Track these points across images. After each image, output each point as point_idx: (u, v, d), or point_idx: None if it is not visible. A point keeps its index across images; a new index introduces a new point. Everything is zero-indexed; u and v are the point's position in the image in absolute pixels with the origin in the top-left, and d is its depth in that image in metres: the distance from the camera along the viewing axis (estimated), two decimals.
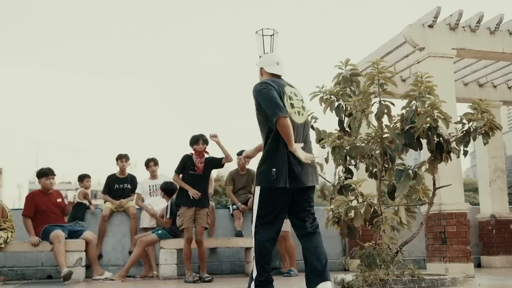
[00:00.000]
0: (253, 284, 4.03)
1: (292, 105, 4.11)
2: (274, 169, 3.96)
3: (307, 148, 4.14)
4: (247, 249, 7.76)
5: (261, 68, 4.38)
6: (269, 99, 3.99)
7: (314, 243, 4.19)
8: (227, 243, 7.88)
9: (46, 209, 7.22)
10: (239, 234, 7.96)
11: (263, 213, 4.05)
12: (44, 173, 7.34)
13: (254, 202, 4.11)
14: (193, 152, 7.00)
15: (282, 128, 3.89)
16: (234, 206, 8.45)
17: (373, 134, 5.64)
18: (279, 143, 3.99)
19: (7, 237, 7.03)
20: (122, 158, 8.59)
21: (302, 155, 3.93)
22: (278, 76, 4.34)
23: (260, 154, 4.32)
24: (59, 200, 7.42)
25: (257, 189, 4.06)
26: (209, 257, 8.37)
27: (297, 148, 3.94)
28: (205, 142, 6.99)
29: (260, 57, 4.49)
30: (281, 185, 3.94)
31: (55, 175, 7.49)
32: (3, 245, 6.95)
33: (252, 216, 4.12)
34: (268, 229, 4.08)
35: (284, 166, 3.97)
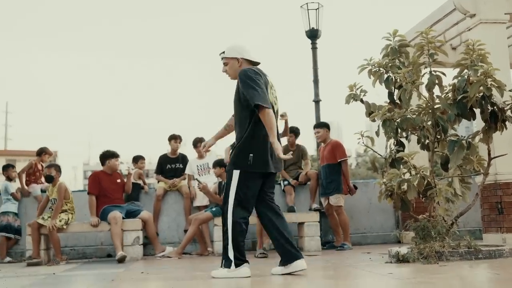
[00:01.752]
0: (233, 264, 4.23)
1: (273, 95, 4.40)
2: (251, 154, 4.20)
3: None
4: (300, 224, 7.82)
5: (238, 59, 4.47)
6: (259, 87, 4.20)
7: (285, 223, 4.46)
8: None
9: (107, 189, 7.49)
10: (291, 210, 8.01)
11: (240, 195, 4.26)
12: (112, 155, 7.64)
13: (230, 184, 4.29)
14: None
15: (267, 118, 4.11)
16: (285, 182, 8.50)
17: (424, 105, 5.55)
18: (260, 130, 4.22)
19: (68, 219, 7.31)
20: (176, 139, 8.75)
21: (280, 150, 4.13)
22: (257, 64, 4.55)
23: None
24: (118, 180, 7.67)
25: (235, 173, 4.27)
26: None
27: (277, 143, 4.16)
28: None
29: (228, 48, 4.54)
30: (259, 170, 4.25)
31: (119, 156, 7.77)
32: (65, 227, 7.25)
33: (227, 198, 4.28)
34: (244, 210, 4.30)
35: (265, 152, 4.25)
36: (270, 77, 4.52)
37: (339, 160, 7.74)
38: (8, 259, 8.02)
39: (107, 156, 7.66)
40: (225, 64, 4.55)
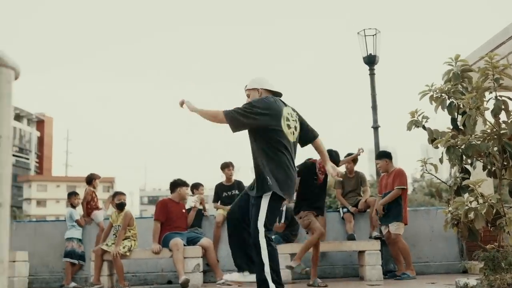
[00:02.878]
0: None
1: (288, 126, 4.48)
2: (268, 178, 4.31)
3: (295, 165, 4.57)
4: (360, 252, 7.71)
5: (258, 89, 4.63)
6: (245, 107, 4.39)
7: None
8: (339, 247, 7.85)
9: (173, 217, 7.63)
10: (351, 238, 7.92)
11: (269, 220, 4.36)
12: (184, 183, 7.80)
13: (260, 209, 4.33)
14: (316, 159, 7.04)
15: (210, 112, 4.43)
16: (345, 209, 8.42)
17: (489, 131, 5.42)
18: (274, 155, 4.37)
19: (131, 246, 7.47)
20: (228, 166, 8.82)
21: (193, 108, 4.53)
22: (279, 95, 4.69)
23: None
24: (184, 210, 7.81)
25: (266, 197, 4.33)
26: (321, 261, 8.40)
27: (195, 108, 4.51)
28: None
29: (250, 80, 4.75)
30: (284, 194, 4.36)
31: (189, 185, 7.94)
32: (128, 253, 7.40)
33: (256, 223, 4.33)
34: (271, 235, 4.46)
35: (280, 177, 4.37)
36: (290, 108, 4.62)
37: (395, 188, 7.58)
38: (73, 284, 8.23)
39: (179, 184, 7.81)
40: (247, 96, 4.73)
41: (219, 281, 7.55)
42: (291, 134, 4.51)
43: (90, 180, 9.18)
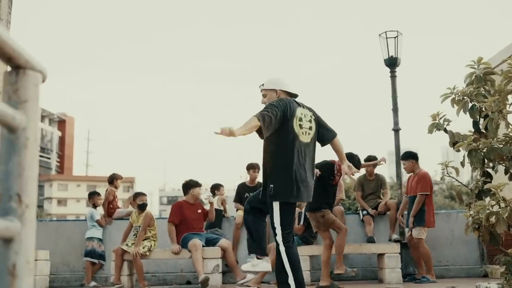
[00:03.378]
0: None
1: (300, 126, 4.48)
2: (272, 185, 4.36)
3: (311, 165, 4.59)
4: (380, 255, 7.67)
5: (276, 90, 4.64)
6: (268, 110, 4.34)
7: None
8: (359, 249, 7.83)
9: (189, 219, 7.66)
10: (371, 240, 7.89)
11: (283, 222, 4.40)
12: (196, 184, 7.83)
13: (274, 212, 4.38)
14: (335, 160, 7.02)
15: (248, 121, 4.23)
16: (364, 212, 8.39)
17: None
18: (283, 159, 4.40)
19: (151, 246, 7.53)
20: (254, 168, 8.82)
21: (233, 131, 4.16)
22: (295, 96, 4.72)
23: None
24: (199, 211, 7.83)
25: (277, 204, 4.38)
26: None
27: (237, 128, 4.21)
28: None
29: (267, 80, 4.76)
30: (282, 199, 4.39)
31: (201, 185, 7.97)
32: (148, 253, 7.46)
33: (275, 231, 4.40)
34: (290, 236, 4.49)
35: (287, 182, 4.37)
36: (305, 109, 4.64)
37: (418, 193, 7.52)
38: (93, 283, 8.32)
39: (191, 185, 7.84)
40: (264, 95, 4.74)
41: (239, 282, 7.58)
42: (304, 135, 4.51)
43: (112, 180, 9.27)
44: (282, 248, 4.38)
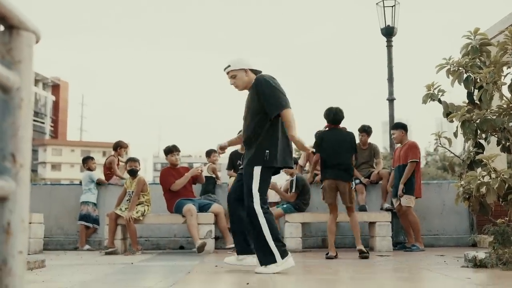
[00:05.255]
0: (278, 256, 4.39)
1: None
2: (267, 151, 4.52)
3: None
4: (371, 223, 7.76)
5: (246, 70, 4.78)
6: (280, 91, 4.60)
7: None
8: None
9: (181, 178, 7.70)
10: (363, 209, 7.96)
11: (263, 191, 4.54)
12: (170, 150, 7.85)
13: (253, 182, 4.50)
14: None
15: (289, 117, 4.49)
16: (357, 181, 8.43)
17: (505, 106, 5.38)
18: (275, 130, 4.59)
19: (144, 211, 7.58)
20: None
21: (303, 143, 4.58)
22: (259, 72, 4.87)
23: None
24: (195, 164, 7.85)
25: (257, 170, 4.52)
26: None
27: (299, 138, 4.55)
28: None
29: (233, 61, 4.85)
30: (276, 164, 4.56)
31: (179, 151, 7.97)
32: (141, 218, 7.52)
33: (251, 196, 4.48)
34: (265, 202, 4.57)
35: (280, 148, 4.59)
36: None
37: (408, 161, 7.56)
38: (87, 247, 8.40)
39: (166, 152, 7.91)
40: (232, 77, 4.79)
41: (229, 246, 7.66)
42: None
43: (116, 147, 9.31)
44: (260, 213, 4.44)
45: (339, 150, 6.38)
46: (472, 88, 5.69)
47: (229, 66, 4.80)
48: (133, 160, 7.93)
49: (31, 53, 1.24)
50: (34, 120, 71.10)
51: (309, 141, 6.93)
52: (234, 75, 4.77)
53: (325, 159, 6.46)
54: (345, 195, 6.43)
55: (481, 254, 4.89)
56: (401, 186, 7.54)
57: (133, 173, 7.76)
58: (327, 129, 6.55)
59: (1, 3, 1.10)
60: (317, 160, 6.89)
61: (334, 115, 6.46)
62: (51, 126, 77.87)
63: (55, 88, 77.04)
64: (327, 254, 6.44)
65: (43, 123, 74.86)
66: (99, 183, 8.78)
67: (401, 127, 7.94)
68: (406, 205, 7.60)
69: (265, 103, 4.56)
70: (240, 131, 5.25)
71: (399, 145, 7.95)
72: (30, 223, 7.86)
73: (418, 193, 7.69)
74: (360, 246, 6.42)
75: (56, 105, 76.89)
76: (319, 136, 6.62)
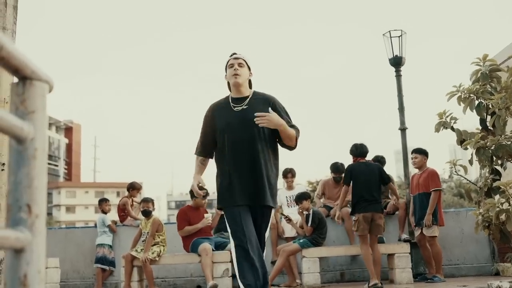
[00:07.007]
0: None
1: None
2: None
3: None
4: (390, 255, 7.64)
5: (251, 72, 4.27)
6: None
7: None
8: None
9: (195, 223, 7.64)
10: (380, 240, 7.84)
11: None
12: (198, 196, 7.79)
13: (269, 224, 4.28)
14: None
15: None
16: None
17: None
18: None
19: (160, 251, 7.53)
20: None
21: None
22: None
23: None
24: (205, 215, 7.80)
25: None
26: (351, 264, 8.37)
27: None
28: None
29: (248, 59, 4.26)
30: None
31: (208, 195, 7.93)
32: (157, 258, 7.46)
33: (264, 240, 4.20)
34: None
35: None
36: None
37: (431, 190, 7.47)
38: None
39: (194, 195, 7.83)
40: (241, 66, 4.17)
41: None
42: None
43: (129, 189, 9.32)
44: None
45: (371, 182, 6.78)
46: (485, 114, 5.67)
47: (243, 56, 4.27)
48: (146, 200, 7.91)
49: (45, 103, 1.24)
50: (48, 163, 71.41)
51: (324, 173, 6.93)
52: (243, 65, 4.19)
53: (358, 192, 6.79)
54: (380, 226, 6.79)
55: (505, 284, 4.79)
56: (429, 217, 7.41)
57: (146, 214, 7.74)
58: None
59: (14, 55, 1.11)
60: (347, 191, 7.14)
61: (361, 149, 6.98)
62: (65, 169, 78.37)
63: (68, 130, 77.83)
64: (372, 284, 6.60)
65: (56, 165, 75.36)
66: (111, 230, 8.70)
67: (424, 152, 7.84)
68: (431, 235, 7.46)
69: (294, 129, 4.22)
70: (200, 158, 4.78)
71: (416, 171, 7.85)
72: (46, 268, 7.82)
73: (441, 222, 7.56)
74: (376, 280, 6.60)
75: (69, 147, 77.53)
76: (349, 169, 7.00)
